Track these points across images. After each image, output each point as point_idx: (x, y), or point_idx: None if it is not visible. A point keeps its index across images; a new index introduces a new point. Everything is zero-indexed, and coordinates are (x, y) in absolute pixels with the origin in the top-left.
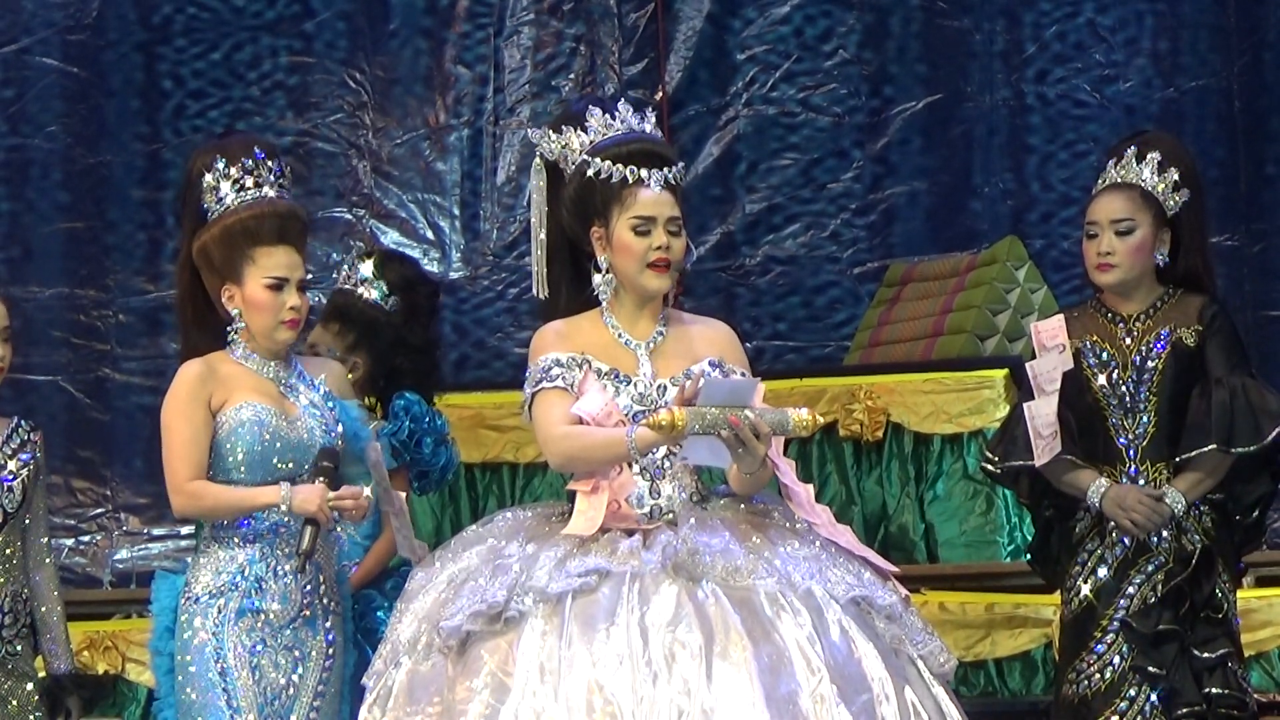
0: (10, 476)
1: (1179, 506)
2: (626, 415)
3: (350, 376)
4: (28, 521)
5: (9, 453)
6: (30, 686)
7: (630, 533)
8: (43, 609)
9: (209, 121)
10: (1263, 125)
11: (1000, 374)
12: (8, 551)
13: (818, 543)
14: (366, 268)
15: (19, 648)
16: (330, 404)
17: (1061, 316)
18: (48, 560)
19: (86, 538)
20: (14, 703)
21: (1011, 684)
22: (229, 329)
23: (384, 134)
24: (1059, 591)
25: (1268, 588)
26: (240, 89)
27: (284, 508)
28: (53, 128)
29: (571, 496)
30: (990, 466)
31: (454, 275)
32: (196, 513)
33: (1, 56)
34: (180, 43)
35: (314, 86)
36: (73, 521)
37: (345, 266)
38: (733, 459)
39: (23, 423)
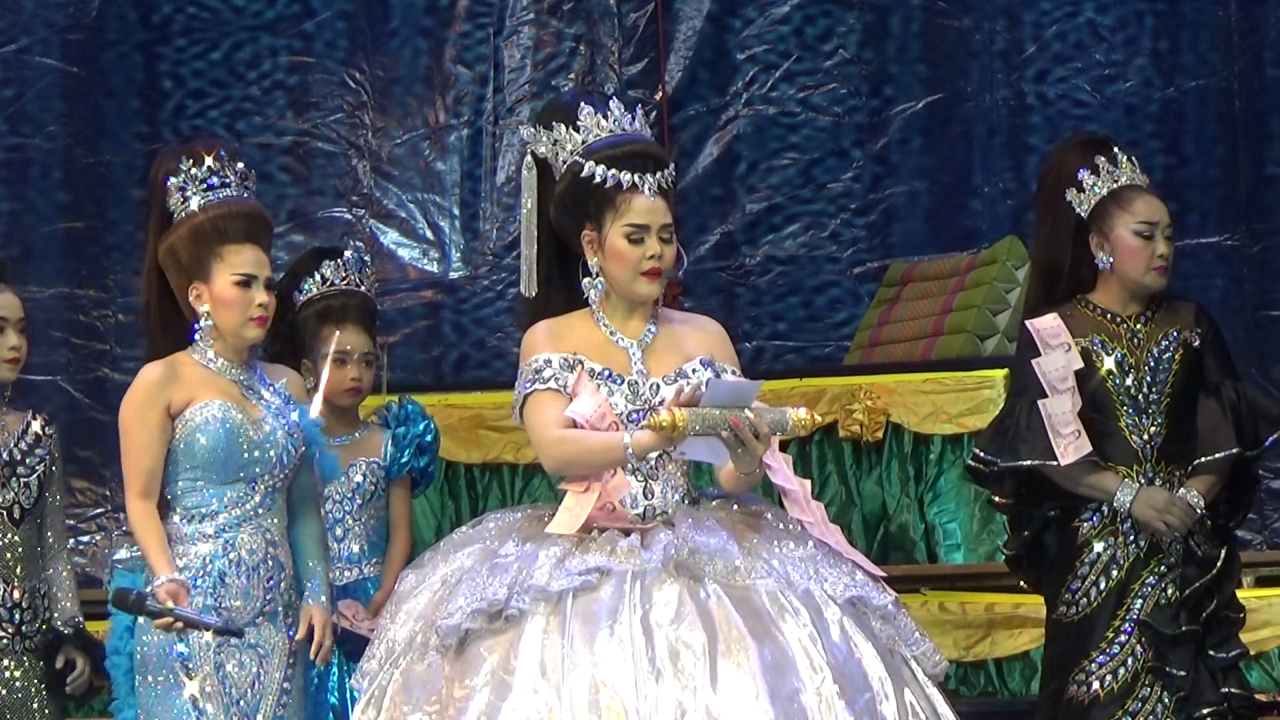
0: (27, 472)
1: (1201, 509)
2: (620, 416)
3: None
4: (44, 516)
5: (24, 448)
6: (45, 688)
7: (627, 532)
8: (57, 591)
9: (209, 121)
10: (1263, 125)
11: (1000, 374)
12: (27, 546)
13: (811, 543)
14: (354, 263)
15: (36, 644)
16: (292, 408)
17: (1055, 315)
18: (64, 553)
19: (86, 538)
20: (19, 686)
21: (1011, 684)
22: (195, 329)
23: (384, 134)
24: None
25: (1268, 588)
26: (240, 89)
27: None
28: (53, 128)
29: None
30: (980, 465)
31: (454, 275)
32: (133, 530)
33: (1, 56)
34: (180, 42)
35: (314, 86)
36: (72, 521)
37: (345, 269)
38: (731, 459)
39: (37, 417)
